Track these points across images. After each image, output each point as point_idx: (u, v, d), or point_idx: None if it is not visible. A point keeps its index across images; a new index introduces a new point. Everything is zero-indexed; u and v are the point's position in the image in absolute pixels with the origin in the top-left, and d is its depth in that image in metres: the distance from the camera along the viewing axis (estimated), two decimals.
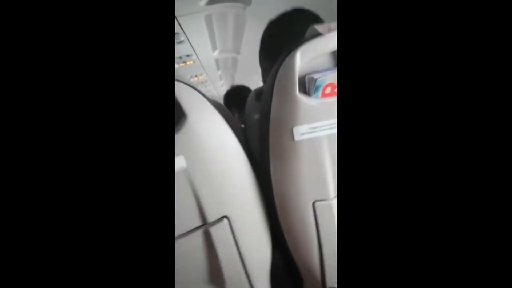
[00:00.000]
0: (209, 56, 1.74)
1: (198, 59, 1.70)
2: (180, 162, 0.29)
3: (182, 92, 0.30)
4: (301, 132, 0.30)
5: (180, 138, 0.28)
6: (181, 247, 0.32)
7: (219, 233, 0.33)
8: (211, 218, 0.32)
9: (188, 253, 0.33)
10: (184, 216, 0.31)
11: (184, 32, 1.18)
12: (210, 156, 0.30)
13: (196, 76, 2.22)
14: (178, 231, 0.32)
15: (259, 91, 0.71)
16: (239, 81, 2.42)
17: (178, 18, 1.03)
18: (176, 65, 1.77)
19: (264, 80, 0.58)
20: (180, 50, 1.44)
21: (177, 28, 1.15)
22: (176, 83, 0.30)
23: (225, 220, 0.32)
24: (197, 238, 0.32)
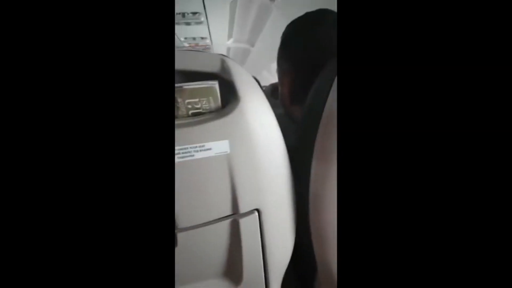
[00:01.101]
0: (222, 43, 1.73)
1: (211, 43, 1.69)
2: (224, 147, 0.28)
3: (238, 75, 0.29)
4: None
5: (228, 122, 0.28)
6: (206, 234, 0.31)
7: (248, 225, 0.32)
8: (243, 209, 0.31)
9: (211, 241, 0.32)
10: (216, 203, 0.30)
11: (206, 14, 1.16)
12: (255, 145, 0.29)
13: None
14: (206, 217, 0.31)
15: (274, 87, 0.71)
16: None
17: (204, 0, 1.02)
18: (186, 44, 1.75)
19: (279, 77, 0.58)
20: (196, 30, 1.42)
21: (200, 8, 1.14)
22: (232, 63, 0.29)
23: (256, 213, 0.32)
24: (224, 227, 0.32)
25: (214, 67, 0.29)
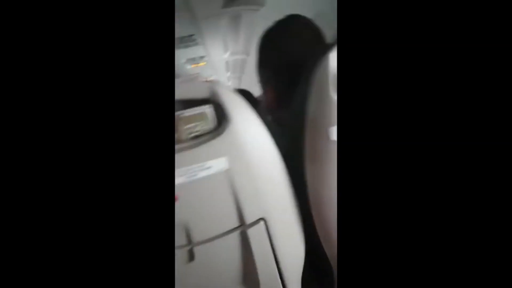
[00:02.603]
0: (220, 58, 1.85)
1: (210, 60, 1.80)
2: (222, 163, 0.30)
3: (226, 97, 0.32)
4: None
5: (223, 140, 0.30)
6: (217, 247, 0.32)
7: (256, 234, 0.33)
8: (248, 219, 0.32)
9: (224, 253, 0.33)
10: (222, 217, 0.32)
11: (201, 34, 1.27)
12: (251, 159, 0.32)
13: (206, 78, 2.32)
14: (215, 231, 0.32)
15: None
16: (245, 83, 2.51)
17: (197, 22, 1.13)
18: (188, 67, 1.88)
19: (262, 87, 0.59)
20: (194, 51, 1.54)
21: (194, 31, 1.25)
22: (220, 87, 0.33)
23: (262, 222, 0.33)
24: (234, 239, 0.33)
25: (204, 94, 0.33)
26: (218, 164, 0.31)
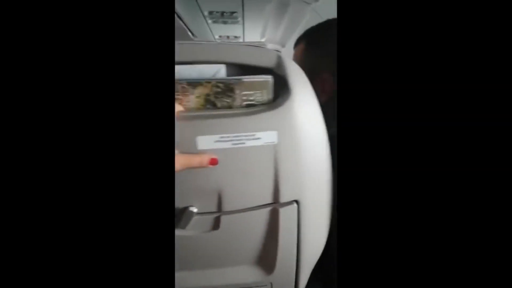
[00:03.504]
0: (254, 42, 1.79)
1: (243, 41, 1.74)
2: (272, 137, 0.29)
3: (292, 71, 0.31)
4: None
5: (278, 114, 0.29)
6: (244, 220, 0.32)
7: (287, 215, 0.32)
8: (283, 199, 0.32)
9: (250, 227, 0.33)
10: (259, 190, 0.31)
11: (243, 14, 1.22)
12: (301, 138, 0.30)
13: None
14: (249, 203, 0.31)
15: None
16: None
17: (243, 0, 1.07)
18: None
19: (316, 77, 0.61)
20: (231, 30, 1.48)
21: (237, 8, 1.19)
22: (290, 61, 0.31)
23: (295, 204, 0.32)
24: (264, 215, 0.32)
25: (270, 63, 0.31)
26: (268, 137, 0.30)
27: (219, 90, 0.30)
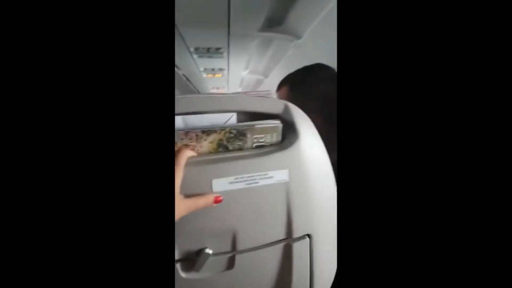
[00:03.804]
0: (238, 74, 1.86)
1: (228, 74, 1.81)
2: (284, 175, 0.32)
3: (297, 115, 0.34)
4: None
5: (288, 154, 0.32)
6: (258, 257, 0.33)
7: (300, 249, 0.34)
8: (296, 233, 0.34)
9: (264, 265, 0.33)
10: (272, 227, 0.33)
11: (228, 49, 1.28)
12: (310, 175, 0.33)
13: (217, 88, 2.32)
14: (263, 240, 0.33)
15: None
16: None
17: (230, 37, 1.13)
18: (204, 75, 1.88)
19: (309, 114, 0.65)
20: (216, 63, 1.54)
21: (223, 45, 1.26)
22: (295, 108, 0.35)
23: (307, 238, 0.34)
24: (278, 251, 0.33)
25: (278, 110, 0.35)
26: (279, 175, 0.32)
27: (231, 135, 0.32)
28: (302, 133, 0.34)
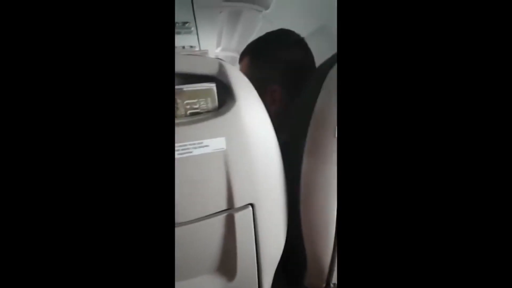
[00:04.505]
0: (210, 52, 1.79)
1: (200, 51, 1.74)
2: (220, 143, 0.29)
3: (235, 77, 0.31)
4: None
5: (224, 120, 0.29)
6: (200, 230, 0.31)
7: (242, 220, 0.32)
8: (238, 203, 0.32)
9: (207, 236, 0.32)
10: (213, 197, 0.31)
11: (196, 24, 1.21)
12: (249, 143, 0.31)
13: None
14: (203, 212, 0.31)
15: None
16: None
17: (195, 9, 1.07)
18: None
19: (265, 84, 0.62)
20: (186, 39, 1.46)
21: (189, 19, 1.19)
22: (232, 68, 0.31)
23: (250, 208, 0.33)
24: (220, 222, 0.32)
25: (212, 70, 0.31)
26: (216, 144, 0.29)
27: None
28: (240, 96, 0.31)
